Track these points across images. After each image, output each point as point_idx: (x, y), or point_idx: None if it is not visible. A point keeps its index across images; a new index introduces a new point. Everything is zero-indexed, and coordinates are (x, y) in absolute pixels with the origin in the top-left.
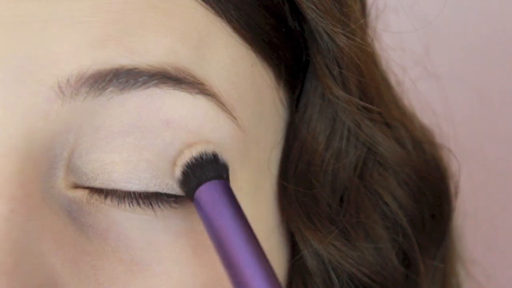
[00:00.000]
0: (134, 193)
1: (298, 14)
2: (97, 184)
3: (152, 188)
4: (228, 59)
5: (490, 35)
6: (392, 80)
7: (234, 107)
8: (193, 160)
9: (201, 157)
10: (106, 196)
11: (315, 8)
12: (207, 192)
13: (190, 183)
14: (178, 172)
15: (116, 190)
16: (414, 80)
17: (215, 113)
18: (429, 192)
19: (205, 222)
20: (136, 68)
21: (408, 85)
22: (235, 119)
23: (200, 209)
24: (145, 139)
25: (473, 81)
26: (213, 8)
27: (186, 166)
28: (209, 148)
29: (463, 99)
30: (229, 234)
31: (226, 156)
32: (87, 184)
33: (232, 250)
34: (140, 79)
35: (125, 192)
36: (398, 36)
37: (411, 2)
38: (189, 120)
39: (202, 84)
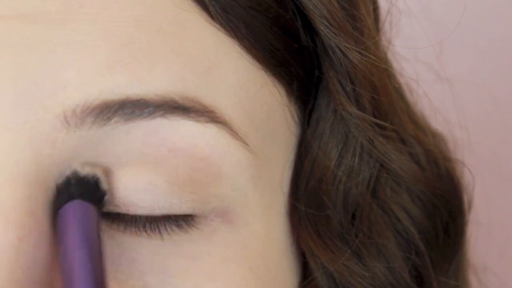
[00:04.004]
0: (140, 217)
1: (311, 29)
2: (103, 209)
3: (158, 211)
4: (238, 84)
5: (504, 39)
6: (405, 87)
7: (246, 133)
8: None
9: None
10: (114, 219)
11: (327, 24)
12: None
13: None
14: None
15: (120, 214)
16: (427, 86)
17: (226, 141)
18: (443, 208)
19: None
20: (142, 99)
21: (421, 92)
22: (247, 145)
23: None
24: (151, 165)
25: (487, 86)
26: (223, 27)
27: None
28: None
29: (476, 105)
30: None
31: (239, 181)
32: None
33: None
34: (146, 110)
35: (131, 216)
36: (410, 41)
37: (423, 7)
38: (197, 149)
39: (212, 112)
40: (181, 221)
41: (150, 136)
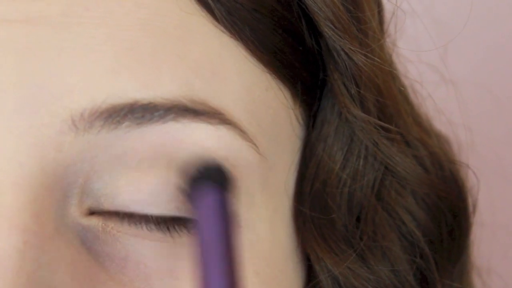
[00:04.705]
0: (151, 216)
1: (315, 32)
2: (115, 206)
3: (170, 211)
4: (242, 88)
5: (508, 41)
6: (409, 89)
7: (255, 135)
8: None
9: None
10: (122, 221)
11: (332, 27)
12: (202, 199)
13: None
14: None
15: (133, 214)
16: (431, 88)
17: (238, 142)
18: (448, 210)
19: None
20: (151, 103)
21: (425, 93)
22: (257, 147)
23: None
24: (165, 166)
25: (491, 87)
26: (228, 30)
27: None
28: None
29: (480, 106)
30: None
31: (248, 183)
32: (104, 206)
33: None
34: (156, 114)
35: (141, 215)
36: (414, 43)
37: (427, 9)
38: (213, 152)
39: (221, 113)
40: (190, 223)
41: (165, 139)
